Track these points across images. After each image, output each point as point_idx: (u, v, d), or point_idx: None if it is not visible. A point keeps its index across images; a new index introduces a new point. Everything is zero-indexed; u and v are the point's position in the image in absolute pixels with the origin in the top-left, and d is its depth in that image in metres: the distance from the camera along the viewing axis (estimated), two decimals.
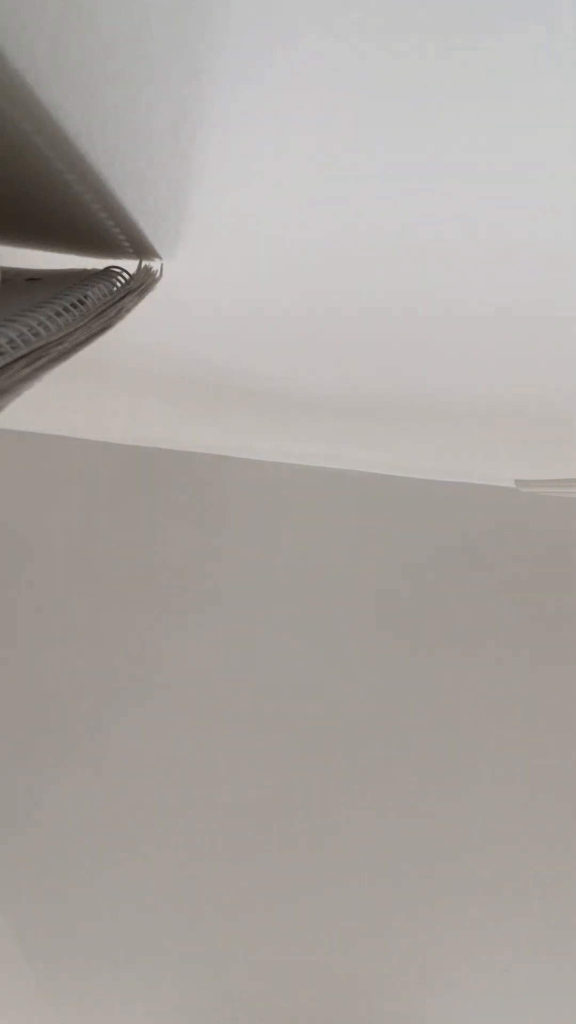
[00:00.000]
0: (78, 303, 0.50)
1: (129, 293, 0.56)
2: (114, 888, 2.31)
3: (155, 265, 0.61)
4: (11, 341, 0.44)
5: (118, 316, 0.54)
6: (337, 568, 2.33)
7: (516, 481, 1.92)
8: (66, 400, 1.44)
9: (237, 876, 2.32)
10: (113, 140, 0.45)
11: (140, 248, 0.59)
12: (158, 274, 0.61)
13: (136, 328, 0.67)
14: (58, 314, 0.48)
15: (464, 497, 2.29)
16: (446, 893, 2.31)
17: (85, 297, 0.51)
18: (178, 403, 1.38)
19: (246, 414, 1.42)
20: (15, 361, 0.44)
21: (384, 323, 0.76)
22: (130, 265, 0.59)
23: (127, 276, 0.57)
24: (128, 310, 0.56)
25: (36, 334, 0.45)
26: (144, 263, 0.60)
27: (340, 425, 1.43)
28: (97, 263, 0.58)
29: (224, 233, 0.58)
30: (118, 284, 0.55)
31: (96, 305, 0.52)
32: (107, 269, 0.57)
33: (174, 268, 0.63)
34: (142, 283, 0.58)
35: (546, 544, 2.30)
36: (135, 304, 0.57)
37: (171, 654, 2.31)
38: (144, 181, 0.50)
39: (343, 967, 2.33)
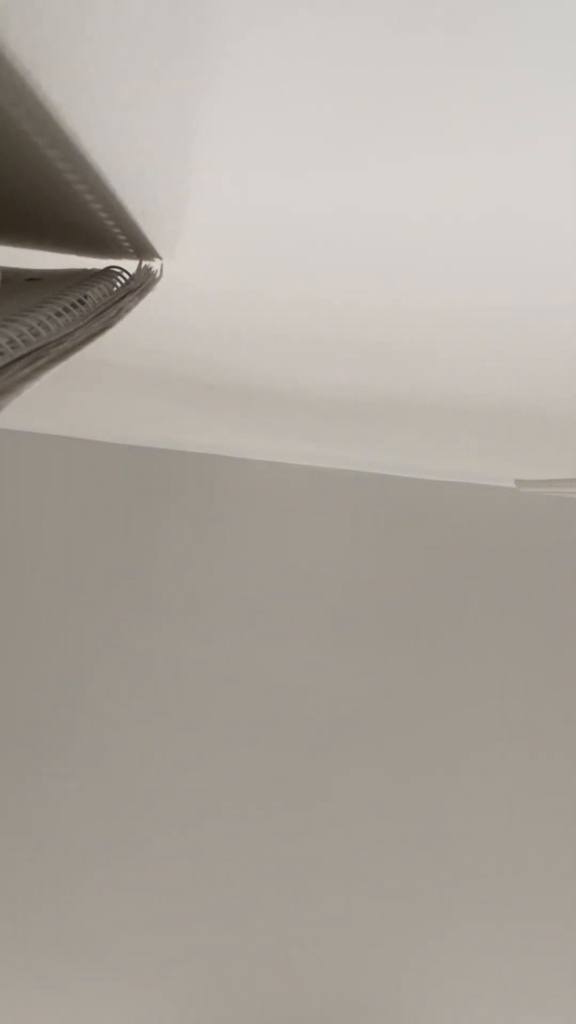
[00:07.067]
0: (78, 303, 0.50)
1: (129, 293, 0.56)
2: (114, 888, 2.31)
3: (155, 265, 0.61)
4: (11, 341, 0.44)
5: (118, 316, 0.54)
6: (337, 568, 2.33)
7: (516, 481, 1.92)
8: (66, 400, 1.44)
9: (237, 875, 2.32)
10: (113, 140, 0.45)
11: (140, 248, 0.59)
12: (158, 274, 0.61)
13: (136, 328, 0.67)
14: (58, 314, 0.48)
15: (464, 497, 2.29)
16: (446, 892, 2.31)
17: (85, 297, 0.51)
18: (178, 403, 1.38)
19: (246, 414, 1.43)
20: (15, 361, 0.44)
21: (384, 323, 0.76)
22: (130, 265, 0.59)
23: (127, 276, 0.57)
24: (128, 310, 0.56)
25: (36, 334, 0.45)
26: (144, 263, 0.60)
27: (340, 425, 1.43)
28: (97, 263, 0.58)
29: (224, 233, 0.58)
30: (118, 284, 0.55)
31: (96, 305, 0.52)
32: (107, 269, 0.57)
33: (174, 268, 0.63)
34: (142, 283, 0.58)
35: (546, 544, 2.30)
36: (135, 304, 0.57)
37: (170, 653, 2.31)
38: (144, 181, 0.50)
39: (343, 965, 2.33)
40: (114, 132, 0.44)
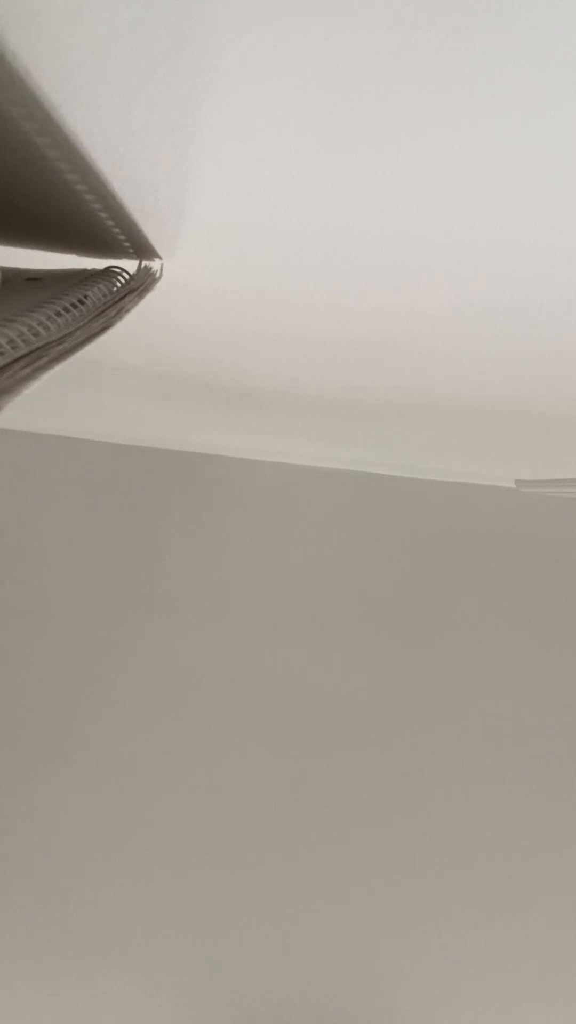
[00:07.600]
0: (78, 303, 0.50)
1: (129, 293, 0.56)
2: (114, 888, 2.31)
3: (155, 265, 0.61)
4: (11, 341, 0.44)
5: (118, 316, 0.54)
6: (337, 568, 2.33)
7: (516, 481, 1.92)
8: (66, 400, 1.44)
9: (237, 875, 2.32)
10: (113, 140, 0.45)
11: (140, 248, 0.59)
12: (158, 274, 0.61)
13: (136, 328, 0.67)
14: (58, 314, 0.48)
15: (464, 497, 2.29)
16: (447, 894, 2.31)
17: (85, 297, 0.51)
18: (178, 403, 1.38)
19: (246, 414, 1.43)
20: (15, 361, 0.44)
21: (384, 323, 0.76)
22: (130, 265, 0.59)
23: (127, 276, 0.57)
24: (128, 310, 0.56)
25: (36, 334, 0.45)
26: (144, 263, 0.60)
27: (340, 425, 1.43)
28: (97, 263, 0.58)
29: (224, 233, 0.58)
30: (118, 284, 0.55)
31: (96, 305, 0.52)
32: (107, 269, 0.57)
33: (174, 268, 0.63)
34: (142, 283, 0.58)
35: (546, 544, 2.30)
36: (135, 304, 0.57)
37: (171, 653, 2.31)
38: (144, 181, 0.50)
39: (343, 968, 2.33)
40: (114, 132, 0.44)
